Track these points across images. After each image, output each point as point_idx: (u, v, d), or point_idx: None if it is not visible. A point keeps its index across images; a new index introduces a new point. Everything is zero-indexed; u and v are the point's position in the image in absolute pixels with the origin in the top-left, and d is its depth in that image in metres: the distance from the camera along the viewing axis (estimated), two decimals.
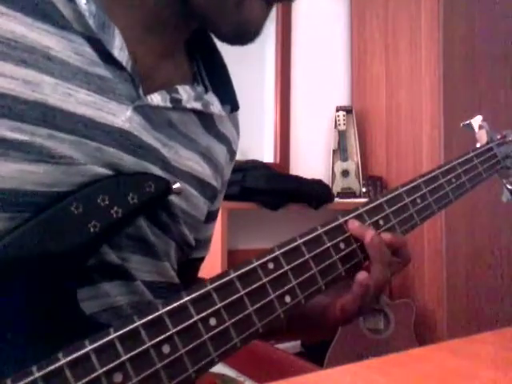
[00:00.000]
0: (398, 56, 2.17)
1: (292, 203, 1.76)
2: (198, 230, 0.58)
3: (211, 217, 0.64)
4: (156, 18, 0.51)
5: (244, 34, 0.51)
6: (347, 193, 2.20)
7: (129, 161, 0.46)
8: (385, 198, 0.51)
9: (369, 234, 0.48)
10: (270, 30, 2.20)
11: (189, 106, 0.51)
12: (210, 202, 0.59)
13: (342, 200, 2.06)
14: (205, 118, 0.55)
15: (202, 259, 0.66)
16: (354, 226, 0.48)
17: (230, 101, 0.59)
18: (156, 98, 0.48)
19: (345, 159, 2.25)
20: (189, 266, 0.62)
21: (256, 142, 2.17)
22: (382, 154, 2.23)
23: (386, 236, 0.49)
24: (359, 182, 2.23)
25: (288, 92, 2.21)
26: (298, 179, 1.84)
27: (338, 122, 2.27)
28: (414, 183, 0.54)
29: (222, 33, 0.51)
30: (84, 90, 0.43)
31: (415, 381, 0.29)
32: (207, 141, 0.56)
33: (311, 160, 2.26)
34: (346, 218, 0.48)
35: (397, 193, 0.52)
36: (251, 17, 0.50)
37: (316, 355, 1.75)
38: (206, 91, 0.56)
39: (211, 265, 0.71)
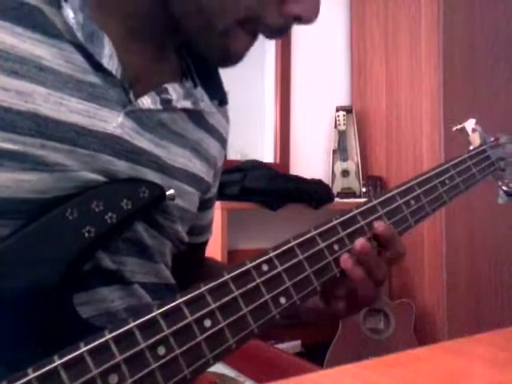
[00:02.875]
0: (398, 56, 2.16)
1: (292, 203, 1.76)
2: (191, 222, 0.60)
3: (210, 203, 0.66)
4: (147, 27, 0.51)
5: (227, 61, 0.52)
6: (347, 193, 2.20)
7: (122, 166, 0.46)
8: (378, 200, 0.51)
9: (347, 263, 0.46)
10: None
11: (179, 105, 0.52)
12: (204, 194, 0.61)
13: (341, 200, 2.06)
14: (194, 114, 0.56)
15: (206, 241, 0.70)
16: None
17: (218, 95, 0.60)
18: (146, 101, 0.49)
19: (345, 159, 2.25)
20: (196, 249, 0.66)
21: (256, 142, 2.17)
22: (381, 154, 2.23)
23: (379, 225, 0.48)
24: (359, 182, 2.23)
25: (288, 92, 2.21)
26: (298, 179, 1.83)
27: (338, 122, 2.27)
28: (408, 185, 0.54)
29: (206, 56, 0.53)
30: (75, 99, 0.43)
31: (415, 381, 0.29)
32: (198, 135, 0.57)
33: (311, 160, 2.26)
34: (340, 219, 0.48)
35: (390, 194, 0.52)
36: (235, 47, 0.50)
37: (316, 355, 1.75)
38: (195, 86, 0.57)
39: None
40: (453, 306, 1.91)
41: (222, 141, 0.64)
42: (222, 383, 0.76)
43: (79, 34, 0.44)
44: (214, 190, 0.68)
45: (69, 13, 0.44)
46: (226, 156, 0.69)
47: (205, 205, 0.63)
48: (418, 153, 2.04)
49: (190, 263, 0.59)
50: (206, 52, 0.51)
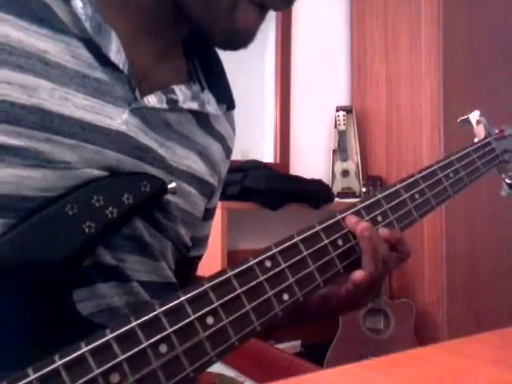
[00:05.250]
0: (398, 56, 2.16)
1: (292, 203, 1.76)
2: (196, 228, 0.58)
3: (209, 215, 0.64)
4: (152, 21, 0.51)
5: (237, 41, 0.51)
6: (347, 193, 2.20)
7: (127, 162, 0.46)
8: (382, 194, 0.51)
9: (360, 226, 0.47)
10: (269, 29, 2.20)
11: (185, 106, 0.51)
12: (208, 199, 0.59)
13: (342, 200, 2.06)
14: (201, 117, 0.56)
15: (199, 257, 0.66)
16: (350, 221, 0.48)
17: (226, 99, 0.59)
18: (152, 100, 0.48)
19: (345, 159, 2.25)
20: (187, 264, 0.62)
21: (256, 142, 2.17)
22: (381, 154, 2.23)
23: (383, 232, 0.49)
24: (359, 182, 2.22)
25: (288, 92, 2.21)
26: (298, 179, 1.83)
27: (338, 122, 2.27)
28: (412, 179, 0.54)
29: (214, 39, 0.51)
30: (81, 94, 0.43)
31: (415, 381, 0.29)
32: (203, 139, 0.57)
33: (311, 160, 2.26)
34: (344, 214, 0.48)
35: (394, 189, 0.52)
36: (244, 24, 0.49)
37: (316, 355, 1.75)
38: (202, 90, 0.56)
39: (211, 265, 0.71)
40: (453, 306, 1.91)
41: (227, 150, 0.63)
42: (222, 383, 0.76)
43: (87, 26, 0.44)
44: (215, 202, 0.66)
45: (78, 3, 0.44)
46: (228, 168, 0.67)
47: (204, 215, 0.61)
48: (418, 153, 2.04)
49: (179, 278, 0.56)
50: (213, 34, 0.50)
